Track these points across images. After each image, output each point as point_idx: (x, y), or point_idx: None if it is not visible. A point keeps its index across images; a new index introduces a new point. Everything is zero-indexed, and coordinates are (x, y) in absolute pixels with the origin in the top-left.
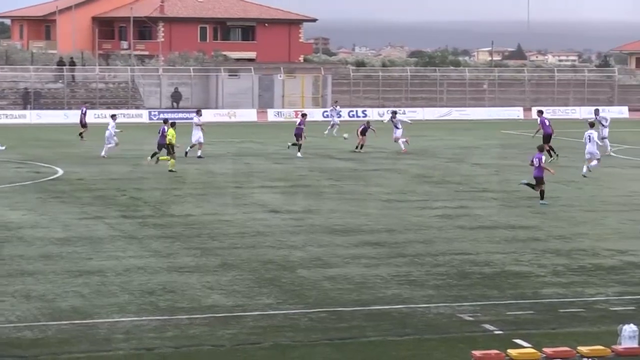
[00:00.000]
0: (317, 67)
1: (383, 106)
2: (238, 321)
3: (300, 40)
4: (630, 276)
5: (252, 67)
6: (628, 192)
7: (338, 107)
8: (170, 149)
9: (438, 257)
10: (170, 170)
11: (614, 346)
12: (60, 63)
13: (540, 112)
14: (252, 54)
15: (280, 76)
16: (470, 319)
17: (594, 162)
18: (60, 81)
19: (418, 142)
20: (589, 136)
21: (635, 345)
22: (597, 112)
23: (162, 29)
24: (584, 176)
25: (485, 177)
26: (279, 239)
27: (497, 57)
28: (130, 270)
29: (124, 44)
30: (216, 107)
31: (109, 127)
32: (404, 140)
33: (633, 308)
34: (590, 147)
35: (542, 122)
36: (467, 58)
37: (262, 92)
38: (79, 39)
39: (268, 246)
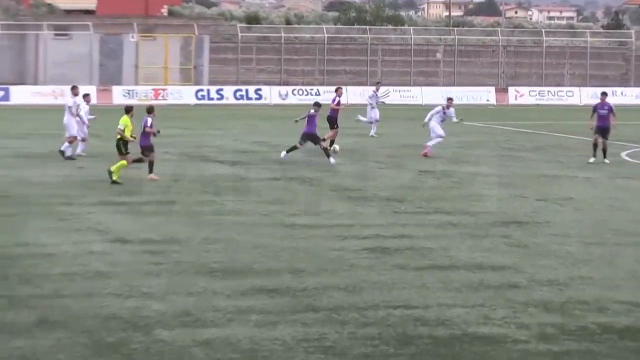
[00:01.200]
0: (189, 23)
1: (286, 83)
2: None
3: None
4: None
5: (90, 23)
6: None
7: (380, 90)
8: (123, 146)
9: (367, 312)
10: (114, 182)
11: None
12: None
13: (604, 95)
14: (90, 4)
15: (133, 37)
16: None
17: None
18: None
19: (337, 137)
20: None
21: None
22: None
23: None
24: None
25: (439, 190)
26: (127, 282)
27: (457, 13)
28: None
29: None
30: (35, 83)
31: (80, 109)
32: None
33: None
34: None
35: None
36: (413, 13)
37: (105, 61)
38: None
39: (111, 294)
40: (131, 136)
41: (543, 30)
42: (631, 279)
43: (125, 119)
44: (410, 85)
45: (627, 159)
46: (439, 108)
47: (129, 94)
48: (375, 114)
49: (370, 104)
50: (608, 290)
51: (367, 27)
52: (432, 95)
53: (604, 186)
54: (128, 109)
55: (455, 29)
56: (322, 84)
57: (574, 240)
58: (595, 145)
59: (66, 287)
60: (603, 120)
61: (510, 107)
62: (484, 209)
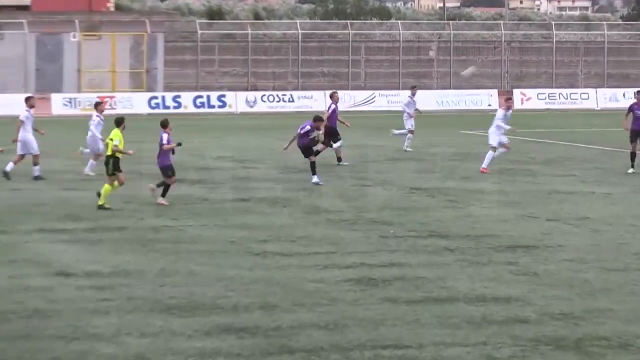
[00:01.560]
0: (140, 20)
1: (255, 88)
2: None
3: None
4: None
5: (24, 21)
6: None
7: (415, 97)
8: (113, 164)
9: (352, 353)
10: (101, 207)
11: None
12: None
13: (638, 93)
14: None
15: (75, 36)
16: None
17: None
18: None
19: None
20: None
21: None
22: None
23: None
24: None
25: (434, 211)
26: (71, 322)
27: (452, 4)
28: None
29: None
30: None
31: (91, 123)
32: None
33: None
34: None
35: None
36: (401, 5)
37: (42, 64)
38: None
39: (52, 335)
40: (126, 151)
41: (553, 22)
42: None
43: (117, 133)
44: (398, 88)
45: None
46: (502, 112)
47: (70, 102)
48: (411, 123)
49: (408, 113)
50: (631, 323)
51: (348, 21)
52: (424, 100)
53: (625, 203)
54: (119, 121)
55: (450, 22)
56: (296, 89)
57: (591, 266)
58: (633, 154)
59: (0, 328)
60: (639, 122)
61: (515, 112)
62: (486, 231)
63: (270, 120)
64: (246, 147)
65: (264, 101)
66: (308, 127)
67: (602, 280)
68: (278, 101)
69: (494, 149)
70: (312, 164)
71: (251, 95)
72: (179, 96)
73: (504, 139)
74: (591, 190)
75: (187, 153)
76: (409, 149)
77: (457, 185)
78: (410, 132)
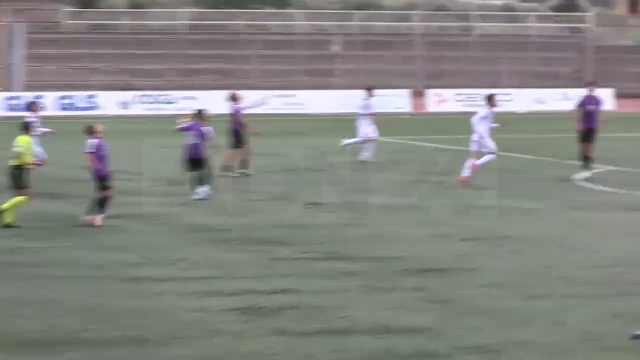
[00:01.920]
0: None
1: (130, 87)
2: None
3: None
4: None
5: None
6: (614, 259)
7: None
8: (20, 176)
9: None
10: (8, 225)
11: None
12: None
13: (592, 84)
14: None
15: None
16: None
17: None
18: None
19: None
20: None
21: None
22: None
23: None
24: None
25: (334, 229)
26: None
27: None
28: None
29: None
30: None
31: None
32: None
33: None
34: None
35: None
36: None
37: None
38: None
39: None
40: (33, 162)
41: (473, 13)
42: (584, 342)
43: (24, 139)
44: (295, 88)
45: (583, 184)
46: (487, 112)
47: None
48: (367, 133)
49: (364, 115)
50: (555, 357)
51: (240, 10)
52: (326, 101)
53: (551, 220)
54: (27, 126)
55: (357, 12)
56: (177, 88)
57: (511, 292)
58: (585, 157)
59: None
60: (590, 119)
61: (429, 116)
62: (391, 252)
63: (148, 125)
64: (118, 155)
65: (141, 102)
66: (210, 129)
67: (524, 308)
68: (157, 102)
69: (494, 152)
70: (200, 175)
71: (125, 95)
72: (41, 96)
73: (492, 145)
74: (512, 205)
75: (49, 163)
76: (371, 159)
77: (361, 200)
78: (371, 140)
